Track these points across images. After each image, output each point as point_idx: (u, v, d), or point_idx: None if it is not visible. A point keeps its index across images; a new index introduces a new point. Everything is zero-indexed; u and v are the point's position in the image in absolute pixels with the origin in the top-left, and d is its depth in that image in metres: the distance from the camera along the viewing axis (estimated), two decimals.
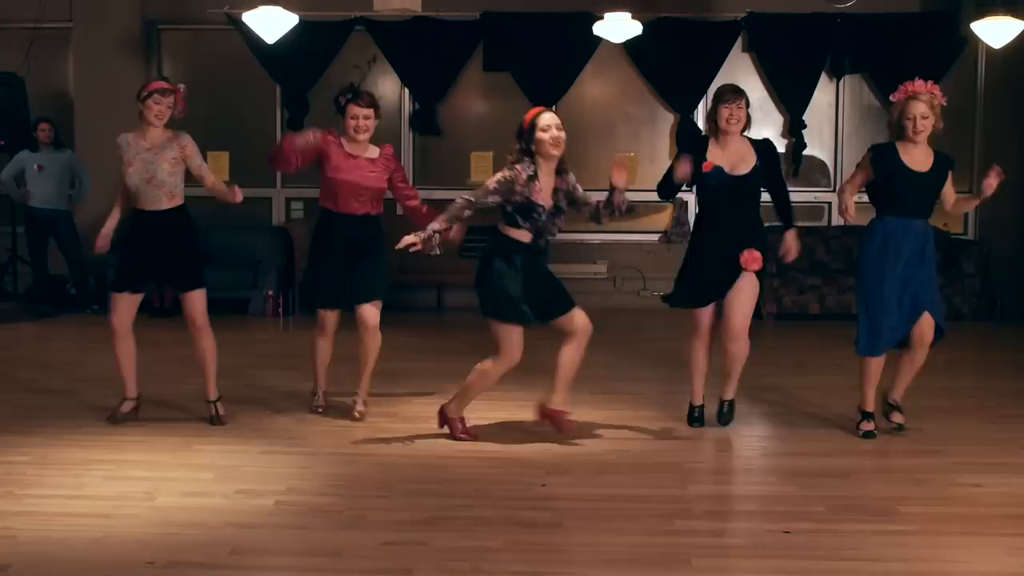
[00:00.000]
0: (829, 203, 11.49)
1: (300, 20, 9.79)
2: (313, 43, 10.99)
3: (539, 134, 5.32)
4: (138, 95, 5.76)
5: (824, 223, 11.42)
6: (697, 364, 5.92)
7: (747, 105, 5.69)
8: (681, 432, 5.89)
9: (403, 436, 5.72)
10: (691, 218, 11.34)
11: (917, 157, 5.54)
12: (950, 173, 5.64)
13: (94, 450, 5.36)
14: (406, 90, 11.46)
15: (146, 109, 5.71)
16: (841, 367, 7.87)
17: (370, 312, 5.97)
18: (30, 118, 10.59)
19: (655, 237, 11.50)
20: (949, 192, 5.69)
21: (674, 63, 11.11)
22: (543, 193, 5.38)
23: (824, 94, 11.34)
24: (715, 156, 5.64)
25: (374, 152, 5.97)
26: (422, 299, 11.15)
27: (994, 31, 9.46)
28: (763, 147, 5.78)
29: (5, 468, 5.03)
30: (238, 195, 5.74)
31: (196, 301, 5.88)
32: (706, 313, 5.80)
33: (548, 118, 5.37)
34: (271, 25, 9.62)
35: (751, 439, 5.74)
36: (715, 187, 5.64)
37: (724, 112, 5.61)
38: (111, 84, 10.93)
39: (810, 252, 10.77)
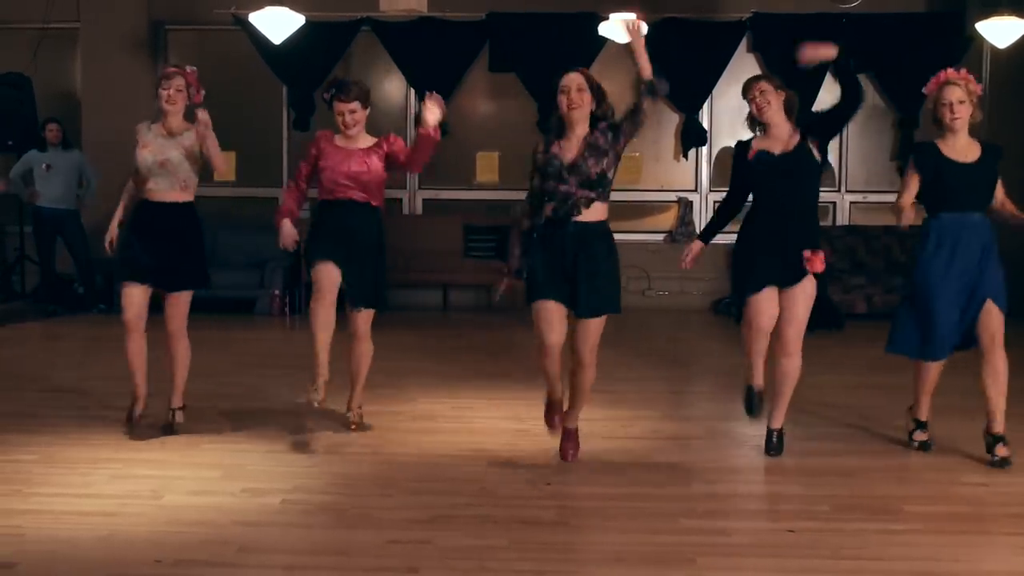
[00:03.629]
0: (834, 203, 11.50)
1: (306, 21, 9.83)
2: (319, 43, 11.02)
3: (559, 96, 5.25)
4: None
5: (828, 223, 11.42)
6: (756, 348, 5.43)
7: (777, 87, 5.47)
8: (685, 431, 5.90)
9: (408, 435, 5.74)
10: (695, 219, 11.50)
11: (960, 148, 5.28)
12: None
13: (101, 449, 5.38)
14: (412, 90, 11.48)
15: (158, 98, 5.62)
16: (843, 367, 7.91)
17: (361, 319, 5.69)
18: (38, 118, 10.64)
19: (660, 237, 11.54)
20: (997, 188, 5.43)
21: (679, 63, 11.08)
22: (566, 152, 5.18)
23: (829, 94, 11.24)
24: (761, 145, 5.42)
25: (369, 142, 5.71)
26: (427, 299, 11.18)
27: (999, 31, 9.50)
28: (805, 119, 5.55)
29: (12, 467, 5.04)
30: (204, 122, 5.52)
31: (182, 304, 5.66)
32: (763, 300, 5.28)
33: (567, 80, 5.23)
34: (278, 25, 9.67)
35: (755, 438, 5.73)
36: (763, 169, 5.33)
37: (752, 107, 5.48)
38: (118, 84, 10.99)
39: None
